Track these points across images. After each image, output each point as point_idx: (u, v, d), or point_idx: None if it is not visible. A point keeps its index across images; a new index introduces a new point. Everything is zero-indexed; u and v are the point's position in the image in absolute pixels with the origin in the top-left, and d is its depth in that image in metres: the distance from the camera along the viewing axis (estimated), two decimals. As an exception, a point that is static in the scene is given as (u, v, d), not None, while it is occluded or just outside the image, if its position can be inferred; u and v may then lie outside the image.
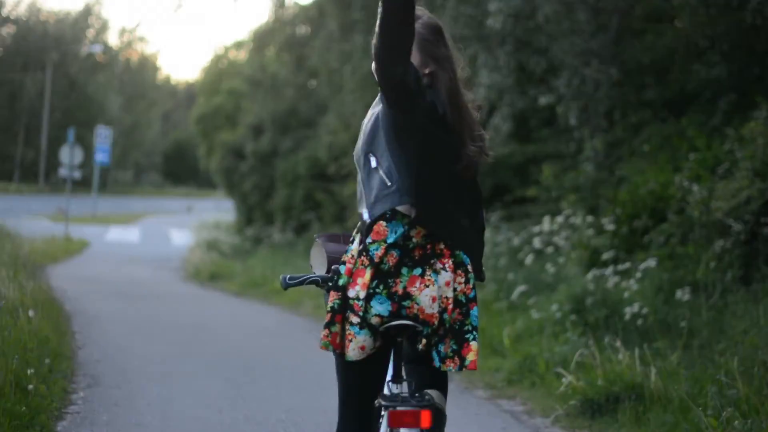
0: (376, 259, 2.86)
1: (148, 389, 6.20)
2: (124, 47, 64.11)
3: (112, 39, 64.47)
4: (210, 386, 6.33)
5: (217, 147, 25.50)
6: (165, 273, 17.23)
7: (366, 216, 2.93)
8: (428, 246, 2.91)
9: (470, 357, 2.91)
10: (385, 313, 2.86)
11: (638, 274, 7.46)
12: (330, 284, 2.96)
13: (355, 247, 2.94)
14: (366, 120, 3.00)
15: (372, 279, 2.85)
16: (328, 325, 2.91)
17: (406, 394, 2.90)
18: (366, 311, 2.86)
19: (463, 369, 2.92)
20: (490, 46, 9.66)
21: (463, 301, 2.94)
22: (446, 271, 2.91)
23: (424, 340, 2.91)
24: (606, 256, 8.16)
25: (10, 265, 9.31)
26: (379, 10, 2.73)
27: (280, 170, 20.74)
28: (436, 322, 2.89)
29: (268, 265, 15.41)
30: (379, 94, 2.95)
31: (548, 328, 7.32)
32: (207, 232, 24.94)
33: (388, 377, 3.00)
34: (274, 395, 6.15)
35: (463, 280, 2.94)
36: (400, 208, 2.86)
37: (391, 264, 2.87)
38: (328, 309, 2.91)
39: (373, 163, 2.88)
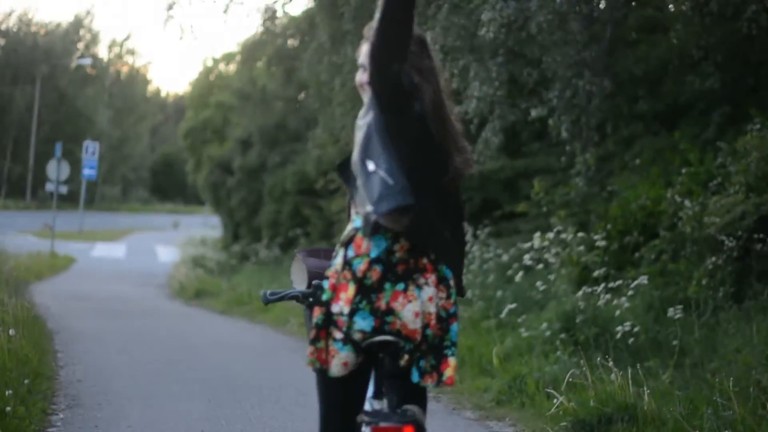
0: (359, 274, 2.81)
1: (129, 410, 6.05)
2: (114, 60, 63.89)
3: (103, 51, 64.17)
4: (192, 407, 6.19)
5: (204, 161, 25.39)
6: (150, 290, 17.09)
7: (370, 209, 2.76)
8: (411, 261, 2.86)
9: (448, 372, 2.89)
10: (368, 329, 2.81)
11: (629, 292, 7.33)
12: (311, 299, 2.92)
13: (339, 261, 2.88)
14: (357, 131, 2.91)
15: (356, 294, 2.80)
16: (313, 342, 2.87)
17: (388, 411, 2.88)
18: (349, 327, 2.81)
19: (440, 384, 2.89)
20: (482, 58, 9.57)
21: (444, 316, 2.89)
22: (429, 286, 2.86)
23: (406, 356, 2.86)
24: (597, 273, 8.04)
25: (-8, 282, 9.17)
26: (378, 10, 2.70)
27: (267, 185, 20.64)
28: (418, 338, 2.85)
29: (254, 282, 15.29)
30: (365, 106, 2.90)
31: (538, 347, 7.20)
32: (193, 249, 24.88)
33: (369, 393, 2.97)
34: (258, 416, 6.01)
35: (444, 295, 2.90)
36: (382, 221, 2.75)
37: (374, 279, 2.82)
38: (313, 325, 2.86)
39: (371, 167, 2.78)
